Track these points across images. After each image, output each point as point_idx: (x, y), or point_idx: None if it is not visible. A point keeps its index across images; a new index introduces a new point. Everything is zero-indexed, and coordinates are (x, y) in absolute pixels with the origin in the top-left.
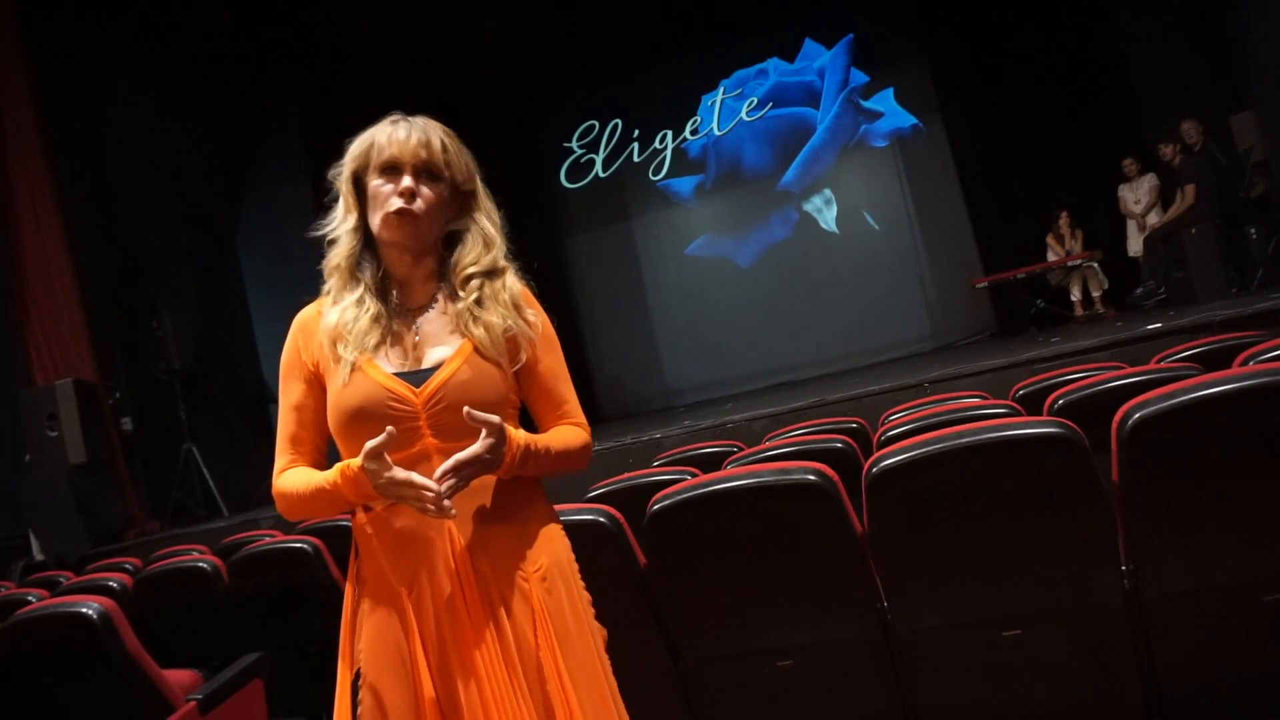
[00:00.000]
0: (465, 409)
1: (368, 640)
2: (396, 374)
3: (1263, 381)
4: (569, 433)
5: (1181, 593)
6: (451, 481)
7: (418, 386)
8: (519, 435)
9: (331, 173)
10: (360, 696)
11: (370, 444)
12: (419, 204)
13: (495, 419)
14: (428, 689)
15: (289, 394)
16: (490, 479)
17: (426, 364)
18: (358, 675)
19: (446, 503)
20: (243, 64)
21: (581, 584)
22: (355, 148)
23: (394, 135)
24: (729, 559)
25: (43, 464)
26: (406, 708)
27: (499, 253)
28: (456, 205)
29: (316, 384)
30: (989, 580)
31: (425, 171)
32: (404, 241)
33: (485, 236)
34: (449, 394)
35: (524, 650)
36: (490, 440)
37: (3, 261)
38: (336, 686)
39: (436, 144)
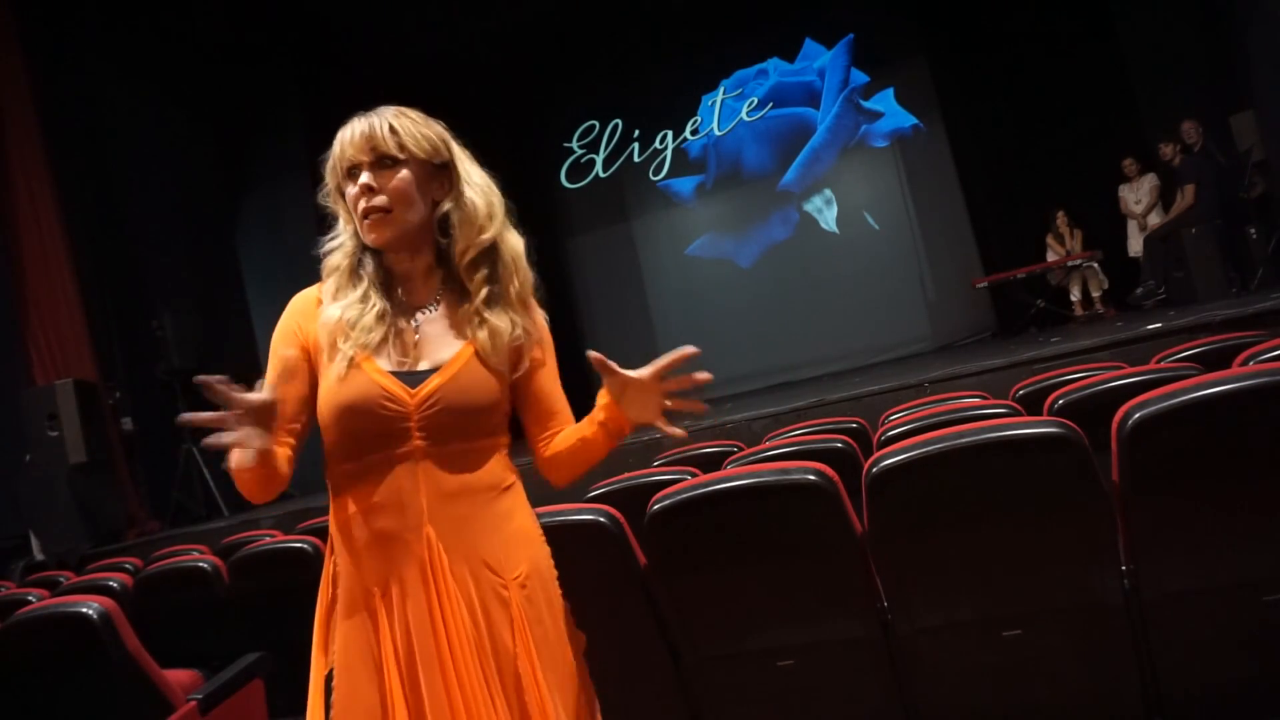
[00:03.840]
0: (590, 353)
1: (341, 640)
2: (394, 373)
3: (1263, 381)
4: None
5: (1181, 593)
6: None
7: (413, 387)
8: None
9: (319, 197)
10: (333, 697)
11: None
12: (381, 199)
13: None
14: (397, 691)
15: (274, 369)
16: (471, 484)
17: (424, 365)
18: (330, 674)
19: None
20: (243, 64)
21: (559, 591)
22: (328, 164)
23: (344, 138)
24: (729, 559)
25: (43, 464)
26: (376, 710)
27: (487, 221)
28: (439, 182)
29: (305, 367)
30: (989, 580)
31: (380, 161)
32: (385, 240)
33: (474, 211)
34: (444, 398)
35: (502, 657)
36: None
37: (3, 261)
38: (310, 684)
39: (383, 129)
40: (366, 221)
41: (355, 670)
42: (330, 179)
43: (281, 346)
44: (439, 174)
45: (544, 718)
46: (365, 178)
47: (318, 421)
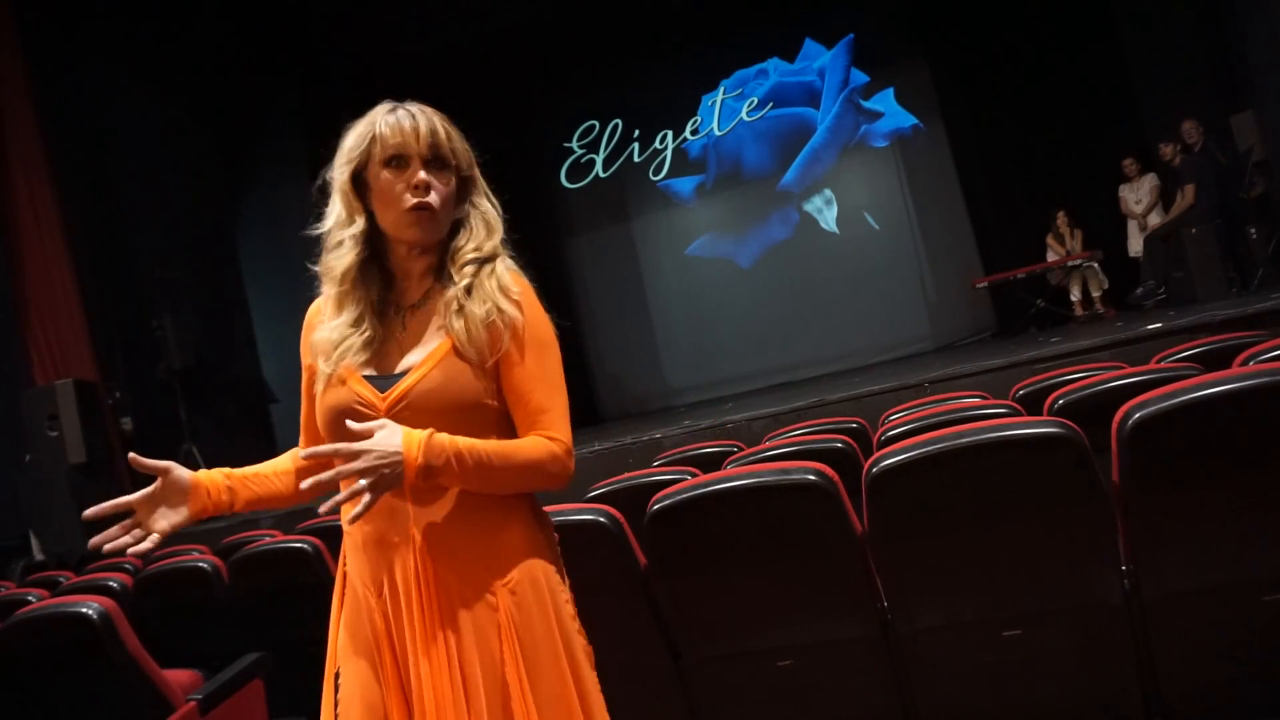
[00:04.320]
0: (346, 421)
1: (343, 640)
2: (370, 378)
3: (1263, 381)
4: (528, 444)
5: (1181, 593)
6: (341, 496)
7: (384, 392)
8: (447, 441)
9: (325, 172)
10: (339, 695)
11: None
12: (434, 197)
13: (368, 426)
14: (394, 693)
15: (303, 383)
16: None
17: (401, 368)
18: (338, 674)
19: (324, 506)
20: (243, 64)
21: (564, 598)
22: (354, 142)
23: (398, 125)
24: (729, 559)
25: (43, 464)
26: (376, 709)
27: (499, 239)
28: (461, 194)
29: (312, 379)
30: (989, 580)
31: (435, 161)
32: (421, 239)
33: (487, 222)
34: (413, 400)
35: (487, 664)
36: (376, 440)
37: (3, 261)
38: (324, 683)
39: (442, 132)
40: (413, 217)
41: (357, 670)
42: (352, 159)
43: (302, 369)
44: (464, 185)
45: None
46: (424, 174)
47: None
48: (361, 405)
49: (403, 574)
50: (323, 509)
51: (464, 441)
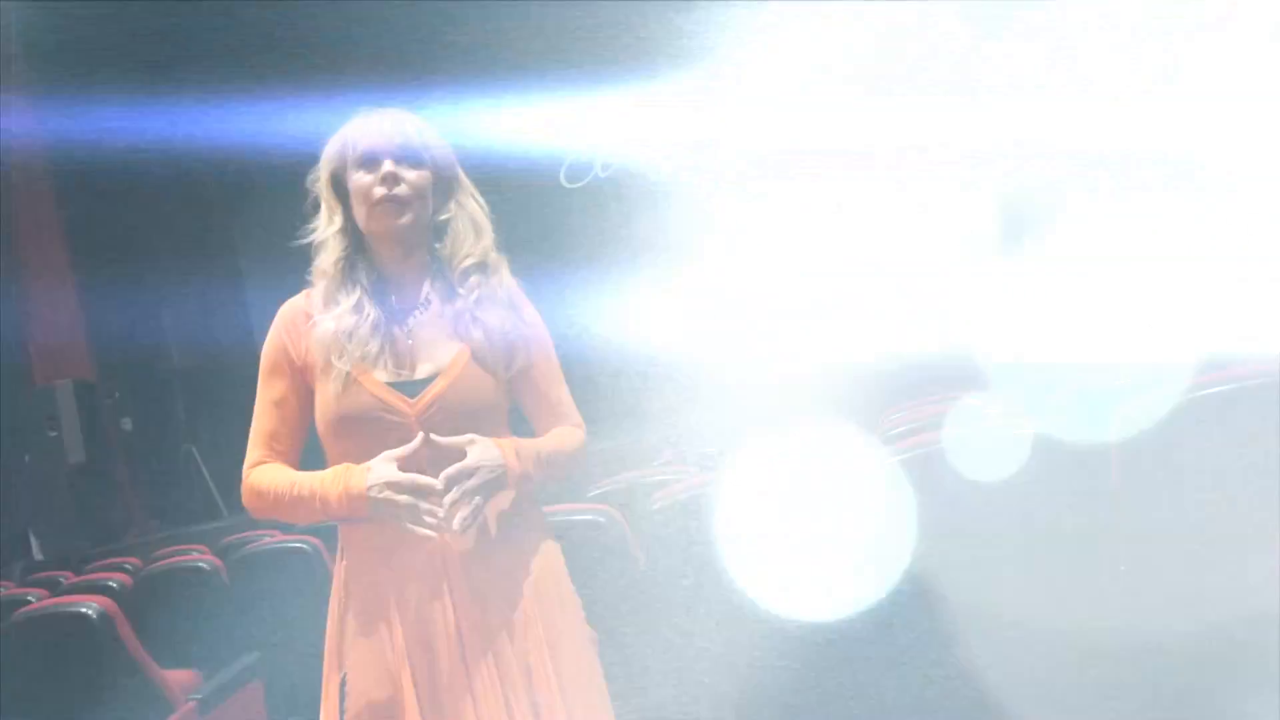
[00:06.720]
0: (431, 436)
1: (354, 645)
2: (391, 384)
3: (1261, 382)
4: (569, 434)
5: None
6: (463, 512)
7: (412, 397)
8: (526, 445)
9: (309, 179)
10: (347, 703)
11: (386, 475)
12: (403, 189)
13: (456, 441)
14: (410, 695)
15: (271, 389)
16: None
17: (421, 373)
18: (344, 679)
19: (456, 522)
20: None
21: (572, 587)
22: (329, 148)
23: (367, 126)
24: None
25: (42, 464)
26: (384, 709)
27: (490, 241)
28: (441, 194)
29: (302, 383)
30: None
31: (405, 157)
32: (393, 231)
33: (475, 224)
34: (444, 406)
35: (515, 653)
36: (479, 455)
37: (3, 262)
38: (322, 688)
39: (412, 128)
40: (381, 207)
41: (370, 675)
42: (328, 165)
43: (270, 373)
44: (444, 185)
45: (556, 713)
46: (389, 166)
47: (318, 433)
48: (388, 412)
49: (432, 575)
50: (456, 526)
51: (535, 443)
